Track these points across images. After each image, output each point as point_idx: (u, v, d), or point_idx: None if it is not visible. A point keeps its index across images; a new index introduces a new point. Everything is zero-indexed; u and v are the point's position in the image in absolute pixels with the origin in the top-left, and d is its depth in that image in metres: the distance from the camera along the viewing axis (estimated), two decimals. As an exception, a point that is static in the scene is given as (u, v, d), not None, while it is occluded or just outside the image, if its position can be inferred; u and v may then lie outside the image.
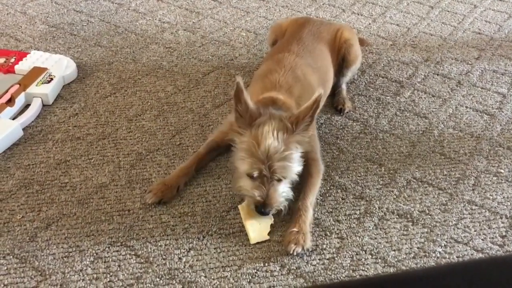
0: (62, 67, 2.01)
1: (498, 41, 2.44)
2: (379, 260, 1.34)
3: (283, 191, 1.39)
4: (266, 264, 1.32)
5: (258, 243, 1.37)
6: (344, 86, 1.97)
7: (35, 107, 1.82)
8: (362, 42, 2.17)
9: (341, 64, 1.94)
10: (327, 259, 1.34)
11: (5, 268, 1.29)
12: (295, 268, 1.31)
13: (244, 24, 2.53)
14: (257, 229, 1.39)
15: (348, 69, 1.95)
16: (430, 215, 1.48)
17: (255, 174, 1.35)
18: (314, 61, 1.74)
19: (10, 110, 1.78)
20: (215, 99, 1.95)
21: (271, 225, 1.41)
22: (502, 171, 1.65)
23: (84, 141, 1.72)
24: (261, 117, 1.36)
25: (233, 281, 1.27)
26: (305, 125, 1.36)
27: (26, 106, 1.85)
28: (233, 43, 2.35)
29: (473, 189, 1.57)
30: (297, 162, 1.38)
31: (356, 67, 2.01)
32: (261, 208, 1.37)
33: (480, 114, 1.92)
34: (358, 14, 2.67)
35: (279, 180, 1.37)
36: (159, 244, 1.36)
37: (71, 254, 1.33)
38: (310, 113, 1.34)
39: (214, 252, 1.35)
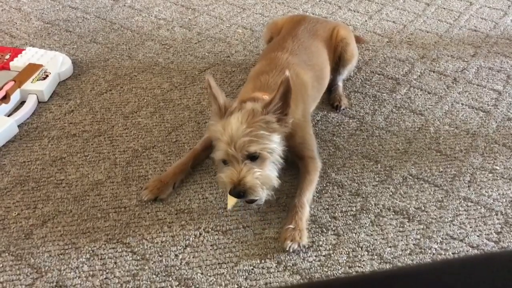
0: (57, 63, 2.00)
1: (494, 38, 2.44)
2: (375, 257, 1.34)
3: (257, 172, 1.34)
4: (263, 261, 1.32)
5: (254, 241, 1.37)
6: (340, 83, 1.97)
7: (30, 104, 1.81)
8: (358, 40, 2.17)
9: (337, 62, 1.94)
10: (324, 256, 1.34)
11: (1, 265, 1.28)
12: (291, 264, 1.31)
13: (241, 21, 2.52)
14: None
15: (345, 67, 1.95)
16: (426, 211, 1.48)
17: (224, 157, 1.36)
18: (309, 58, 1.74)
19: (5, 107, 1.77)
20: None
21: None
22: (498, 167, 1.65)
23: (80, 138, 1.72)
24: (232, 110, 1.38)
25: (229, 278, 1.27)
26: (276, 108, 1.36)
27: (22, 103, 1.85)
28: (229, 40, 2.35)
29: (468, 186, 1.58)
30: (266, 139, 1.35)
31: (352, 65, 2.01)
32: (233, 190, 1.33)
33: (475, 111, 1.92)
34: (354, 11, 2.67)
35: (253, 159, 1.35)
36: (156, 241, 1.36)
37: (67, 251, 1.33)
38: (278, 95, 1.34)
39: (210, 249, 1.35)
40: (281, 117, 1.38)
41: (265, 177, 1.36)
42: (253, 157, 1.35)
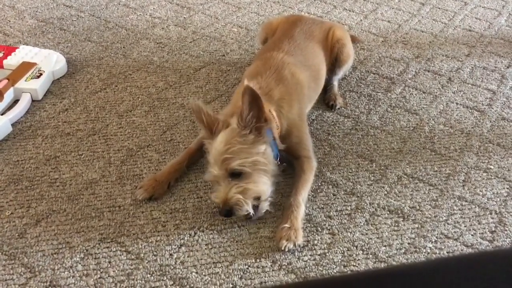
0: (51, 62, 1.99)
1: (488, 38, 2.45)
2: (370, 256, 1.35)
3: (239, 187, 1.34)
4: (258, 260, 1.32)
5: (249, 241, 1.37)
6: (335, 83, 1.98)
7: (24, 103, 1.80)
8: (353, 39, 2.17)
9: (333, 63, 1.94)
10: (319, 255, 1.34)
11: (-6, 265, 1.28)
12: (286, 264, 1.31)
13: (236, 20, 2.52)
14: None
15: (341, 68, 1.96)
16: (420, 211, 1.48)
17: (211, 178, 1.38)
18: (306, 59, 1.74)
19: (-1, 106, 1.77)
20: (206, 95, 1.94)
21: None
22: (492, 167, 1.66)
23: (74, 137, 1.71)
24: (219, 126, 1.39)
25: (224, 277, 1.27)
26: (250, 119, 1.34)
27: (15, 101, 1.83)
28: (224, 39, 2.34)
29: (463, 185, 1.58)
30: (244, 153, 1.34)
31: (348, 66, 2.01)
32: (222, 211, 1.35)
33: (470, 110, 1.93)
34: (350, 11, 2.67)
35: (238, 176, 1.35)
36: (150, 240, 1.36)
37: (61, 250, 1.32)
38: (245, 106, 1.33)
39: (205, 248, 1.34)
40: (258, 126, 1.36)
41: (249, 190, 1.35)
42: (237, 174, 1.35)
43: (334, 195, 1.53)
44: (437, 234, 1.41)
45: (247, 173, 1.35)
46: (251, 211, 1.36)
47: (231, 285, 1.25)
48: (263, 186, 1.38)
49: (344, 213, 1.47)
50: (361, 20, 2.58)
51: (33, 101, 1.86)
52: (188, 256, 1.32)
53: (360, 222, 1.44)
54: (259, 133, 1.37)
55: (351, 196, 1.53)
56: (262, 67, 1.62)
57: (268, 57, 1.67)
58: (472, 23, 2.59)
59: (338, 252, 1.35)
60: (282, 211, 1.44)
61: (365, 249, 1.36)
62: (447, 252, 1.37)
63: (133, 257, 1.31)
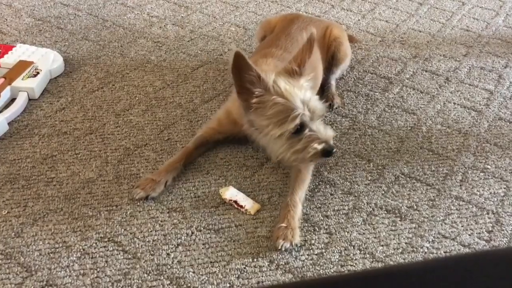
0: (48, 61, 1.98)
1: (486, 38, 2.46)
2: (368, 255, 1.35)
3: (325, 126, 1.42)
4: (255, 260, 1.32)
5: (246, 240, 1.37)
6: (333, 82, 1.97)
7: (21, 101, 1.80)
8: (351, 39, 2.17)
9: (330, 61, 1.94)
10: (316, 255, 1.34)
11: (-10, 264, 1.27)
12: (283, 263, 1.31)
13: (234, 19, 2.51)
14: (250, 202, 1.45)
15: (338, 67, 1.96)
16: (418, 210, 1.48)
17: (304, 118, 1.36)
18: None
19: (-5, 104, 1.76)
20: (204, 94, 1.94)
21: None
22: (489, 167, 1.66)
23: (71, 136, 1.70)
24: (270, 77, 1.37)
25: (221, 277, 1.27)
26: (308, 65, 1.43)
27: (12, 100, 1.83)
28: (222, 38, 2.34)
29: (460, 185, 1.58)
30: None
31: (345, 65, 2.01)
32: (329, 151, 1.39)
33: (467, 110, 1.93)
34: (347, 10, 2.67)
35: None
36: (147, 240, 1.35)
37: (57, 250, 1.32)
38: (308, 52, 1.41)
39: (202, 248, 1.34)
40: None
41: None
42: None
43: (331, 194, 1.53)
44: (434, 233, 1.41)
45: None
46: None
47: (228, 285, 1.25)
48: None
49: (341, 213, 1.47)
50: (359, 20, 2.58)
51: (30, 100, 1.85)
52: (185, 256, 1.32)
53: (358, 222, 1.44)
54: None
55: (349, 195, 1.53)
56: (263, 58, 1.63)
57: (267, 52, 1.67)
58: (470, 23, 2.60)
59: (335, 251, 1.35)
60: (279, 211, 1.44)
61: (363, 249, 1.36)
62: (444, 252, 1.37)
63: (130, 256, 1.31)
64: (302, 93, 1.37)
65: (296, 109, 1.34)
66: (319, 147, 1.37)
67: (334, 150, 1.40)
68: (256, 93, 1.35)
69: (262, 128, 1.41)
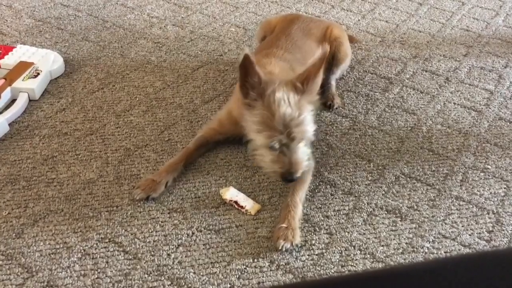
0: (49, 61, 1.98)
1: (486, 38, 2.46)
2: (368, 256, 1.35)
3: (304, 153, 1.39)
4: (255, 260, 1.32)
5: (247, 241, 1.37)
6: (333, 83, 1.97)
7: (21, 102, 1.80)
8: (351, 39, 2.17)
9: (330, 61, 1.94)
10: (316, 255, 1.34)
11: (-9, 265, 1.27)
12: (284, 264, 1.31)
13: (233, 20, 2.51)
14: (250, 202, 1.45)
15: (338, 67, 1.96)
16: (418, 210, 1.49)
17: (276, 145, 1.35)
18: (303, 56, 1.74)
19: (-4, 105, 1.76)
20: (204, 95, 1.94)
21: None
22: (489, 167, 1.66)
23: (71, 137, 1.70)
24: (270, 86, 1.34)
25: (222, 277, 1.27)
26: (315, 84, 1.36)
27: (12, 101, 1.83)
28: (222, 39, 2.34)
29: (460, 185, 1.58)
30: (312, 122, 1.39)
31: (345, 65, 2.01)
32: (287, 177, 1.37)
33: (468, 110, 1.93)
34: (347, 11, 2.67)
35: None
36: (148, 241, 1.36)
37: (58, 250, 1.32)
38: (319, 70, 1.35)
39: (203, 248, 1.34)
40: (315, 87, 1.39)
41: (308, 154, 1.42)
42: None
43: (331, 195, 1.53)
44: (434, 234, 1.41)
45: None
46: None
47: (229, 285, 1.25)
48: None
49: (341, 213, 1.47)
50: (359, 20, 2.58)
51: (30, 100, 1.85)
52: (186, 256, 1.32)
53: (358, 222, 1.44)
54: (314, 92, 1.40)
55: (349, 196, 1.53)
56: (265, 58, 1.64)
57: (269, 52, 1.68)
58: (470, 23, 2.60)
59: (335, 252, 1.35)
60: (279, 211, 1.44)
61: (363, 249, 1.36)
62: (445, 252, 1.37)
63: (130, 257, 1.31)
64: (292, 114, 1.32)
65: (274, 130, 1.33)
66: (280, 170, 1.38)
67: (295, 177, 1.38)
68: (251, 95, 1.36)
69: (245, 125, 1.44)
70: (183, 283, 1.25)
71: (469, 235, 1.42)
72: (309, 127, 1.37)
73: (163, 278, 1.26)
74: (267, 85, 1.34)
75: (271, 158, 1.38)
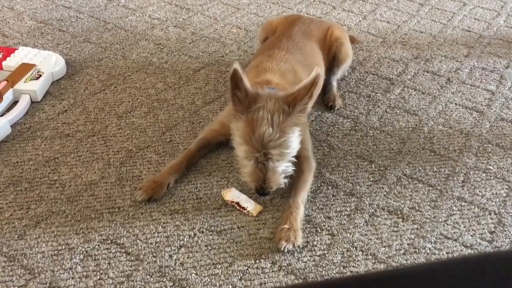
0: (50, 63, 1.99)
1: (487, 38, 2.46)
2: (370, 257, 1.35)
3: (282, 171, 1.40)
4: (257, 261, 1.32)
5: (249, 242, 1.37)
6: (334, 83, 1.98)
7: (23, 104, 1.80)
8: (352, 40, 2.17)
9: (331, 62, 1.94)
10: (318, 256, 1.34)
11: (-7, 266, 1.28)
12: (286, 265, 1.31)
13: (235, 21, 2.52)
14: (252, 203, 1.45)
15: (339, 67, 1.96)
16: (420, 211, 1.48)
17: (251, 162, 1.37)
18: (305, 58, 1.74)
19: (-2, 107, 1.76)
20: (205, 96, 1.94)
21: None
22: (491, 167, 1.66)
23: (73, 138, 1.71)
24: (258, 101, 1.34)
25: (224, 278, 1.27)
26: (303, 106, 1.34)
27: (14, 102, 1.83)
28: (223, 40, 2.34)
29: (462, 186, 1.58)
30: (293, 145, 1.38)
31: (347, 65, 2.01)
32: (259, 192, 1.40)
33: (469, 111, 1.93)
34: (349, 11, 2.67)
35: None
36: (150, 242, 1.36)
37: (60, 252, 1.32)
38: (308, 93, 1.32)
39: (205, 250, 1.34)
40: (304, 108, 1.36)
41: (286, 171, 1.42)
42: None
43: (333, 196, 1.53)
44: (436, 234, 1.41)
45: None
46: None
47: (230, 286, 1.25)
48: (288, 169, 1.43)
49: (343, 214, 1.47)
50: (360, 21, 2.58)
51: (32, 102, 1.86)
52: (187, 257, 1.32)
53: (360, 223, 1.44)
54: (303, 115, 1.38)
55: (351, 197, 1.53)
56: (267, 58, 1.65)
57: (271, 53, 1.68)
58: (471, 23, 2.60)
59: (337, 253, 1.35)
60: (281, 212, 1.44)
61: (365, 250, 1.36)
62: (447, 253, 1.37)
63: (132, 258, 1.31)
64: (272, 135, 1.32)
65: (252, 147, 1.34)
66: (253, 184, 1.40)
67: (267, 193, 1.40)
68: (238, 108, 1.37)
69: (232, 132, 1.44)
70: (185, 284, 1.25)
71: (471, 236, 1.42)
72: (288, 150, 1.36)
73: (165, 279, 1.26)
74: (255, 101, 1.34)
75: (249, 170, 1.40)
